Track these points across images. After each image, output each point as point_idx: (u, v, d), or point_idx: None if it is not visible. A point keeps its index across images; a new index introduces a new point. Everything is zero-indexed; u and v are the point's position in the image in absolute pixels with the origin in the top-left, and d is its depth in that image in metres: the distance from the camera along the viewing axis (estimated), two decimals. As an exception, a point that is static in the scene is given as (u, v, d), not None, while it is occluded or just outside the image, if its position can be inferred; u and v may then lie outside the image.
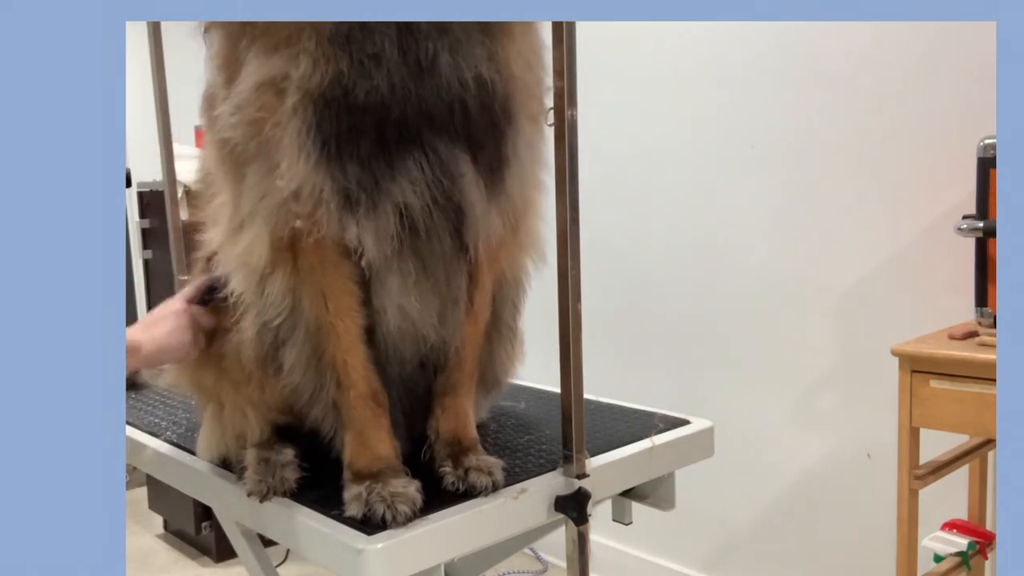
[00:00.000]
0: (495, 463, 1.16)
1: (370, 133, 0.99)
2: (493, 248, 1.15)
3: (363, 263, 1.07)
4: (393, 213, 1.02)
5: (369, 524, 1.04)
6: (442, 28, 0.99)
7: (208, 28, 1.08)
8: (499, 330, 1.28)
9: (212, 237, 1.18)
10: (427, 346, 1.17)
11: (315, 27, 0.97)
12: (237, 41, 1.03)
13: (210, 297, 1.26)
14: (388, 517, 1.04)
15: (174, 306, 1.28)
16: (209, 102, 1.12)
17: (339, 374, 1.11)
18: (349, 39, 0.97)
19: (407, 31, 0.98)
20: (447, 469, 1.15)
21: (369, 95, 0.98)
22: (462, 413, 1.22)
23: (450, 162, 1.03)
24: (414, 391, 1.23)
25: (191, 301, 1.29)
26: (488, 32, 1.03)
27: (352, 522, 1.06)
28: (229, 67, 1.05)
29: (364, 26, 0.97)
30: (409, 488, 1.08)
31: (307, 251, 1.06)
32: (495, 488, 1.13)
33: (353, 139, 0.99)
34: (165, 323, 1.25)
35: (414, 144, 1.01)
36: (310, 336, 1.10)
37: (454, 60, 1.00)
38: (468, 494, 1.13)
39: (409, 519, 1.04)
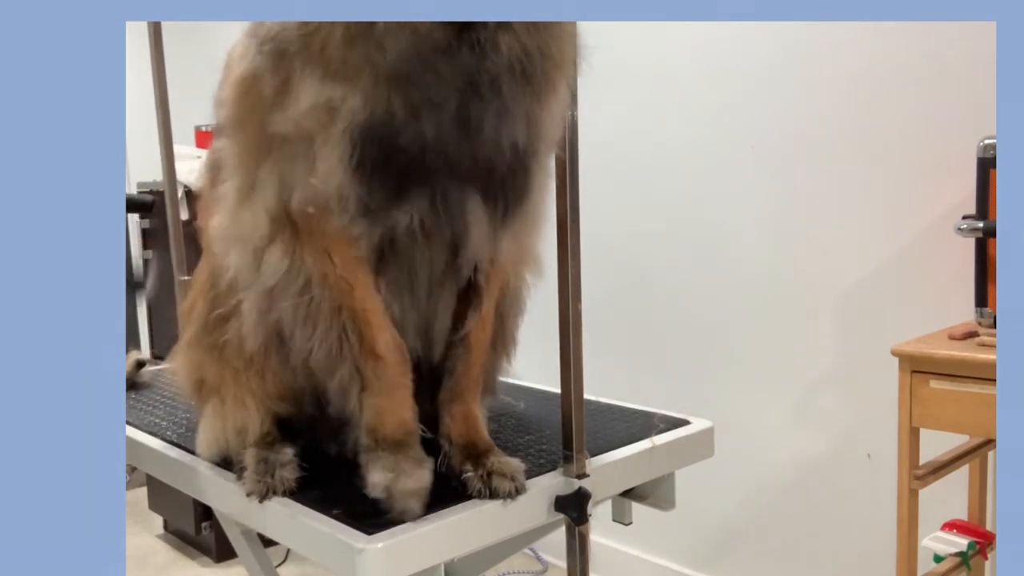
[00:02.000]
0: (518, 468, 1.15)
1: (401, 166, 1.02)
2: (498, 266, 1.18)
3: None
4: (392, 229, 1.06)
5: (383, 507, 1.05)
6: (495, 89, 1.00)
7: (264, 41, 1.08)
8: (503, 340, 1.30)
9: (214, 221, 1.18)
10: (417, 354, 1.18)
11: (375, 66, 0.98)
12: (292, 59, 1.03)
13: None
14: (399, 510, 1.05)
15: None
16: (250, 83, 1.09)
17: (360, 326, 1.10)
18: (411, 79, 0.98)
19: (471, 88, 0.99)
20: (469, 473, 1.14)
21: (413, 140, 1.00)
22: (472, 417, 1.22)
23: (461, 201, 1.06)
24: None
25: None
26: (535, 94, 1.04)
27: (352, 522, 1.06)
28: (280, 68, 1.05)
29: (435, 71, 0.98)
30: (423, 478, 1.09)
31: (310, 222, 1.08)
32: (518, 493, 1.13)
33: (386, 168, 1.02)
34: None
35: (432, 180, 1.04)
36: (316, 290, 1.10)
37: (498, 125, 1.02)
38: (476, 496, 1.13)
39: (416, 515, 1.05)
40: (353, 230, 1.06)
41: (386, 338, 1.11)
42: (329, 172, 1.03)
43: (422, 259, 1.11)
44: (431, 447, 1.21)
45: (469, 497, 1.12)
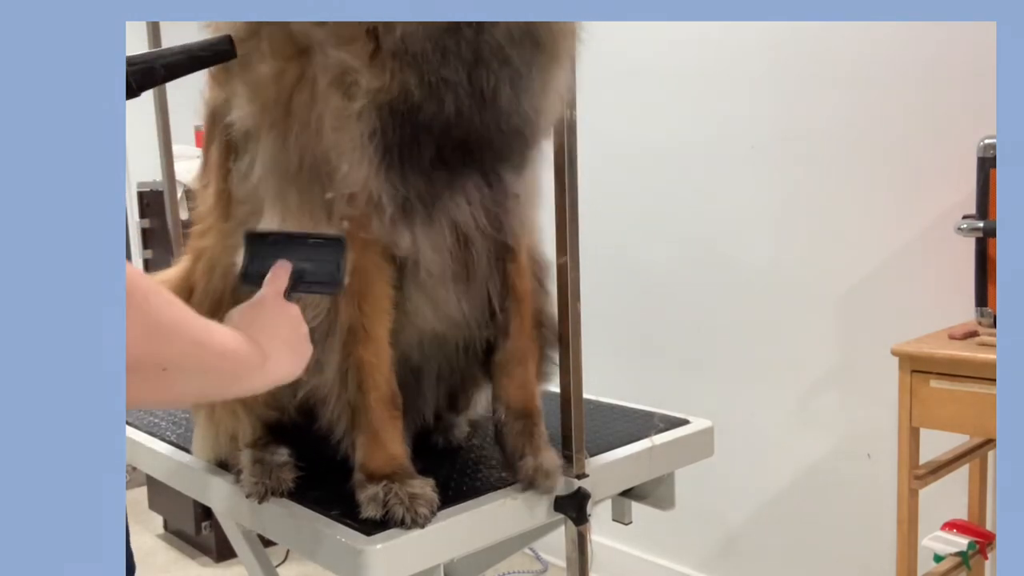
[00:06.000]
0: (557, 467, 1.16)
1: (431, 147, 1.01)
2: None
3: (421, 273, 1.09)
4: (448, 227, 1.06)
5: (387, 526, 1.04)
6: (504, 60, 1.01)
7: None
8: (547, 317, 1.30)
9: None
10: (458, 347, 1.19)
11: (387, 46, 0.98)
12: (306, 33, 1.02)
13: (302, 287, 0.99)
14: (408, 520, 1.04)
15: (285, 310, 0.95)
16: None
17: (362, 376, 1.11)
18: (420, 58, 0.98)
19: (475, 61, 0.99)
20: (525, 460, 1.16)
21: (435, 117, 1.00)
22: (530, 381, 1.21)
23: (508, 184, 1.07)
24: (422, 395, 1.24)
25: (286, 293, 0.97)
26: (543, 63, 1.05)
27: (352, 522, 1.06)
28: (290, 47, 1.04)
29: (443, 50, 0.98)
30: (426, 489, 1.08)
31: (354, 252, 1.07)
32: (551, 491, 1.16)
33: (415, 150, 1.01)
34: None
35: (476, 165, 1.05)
36: (342, 337, 1.10)
37: (515, 94, 1.03)
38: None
39: (427, 520, 1.05)
40: (403, 242, 1.04)
41: (382, 392, 1.12)
42: (351, 167, 1.01)
43: (476, 249, 1.11)
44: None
45: (469, 497, 1.13)
